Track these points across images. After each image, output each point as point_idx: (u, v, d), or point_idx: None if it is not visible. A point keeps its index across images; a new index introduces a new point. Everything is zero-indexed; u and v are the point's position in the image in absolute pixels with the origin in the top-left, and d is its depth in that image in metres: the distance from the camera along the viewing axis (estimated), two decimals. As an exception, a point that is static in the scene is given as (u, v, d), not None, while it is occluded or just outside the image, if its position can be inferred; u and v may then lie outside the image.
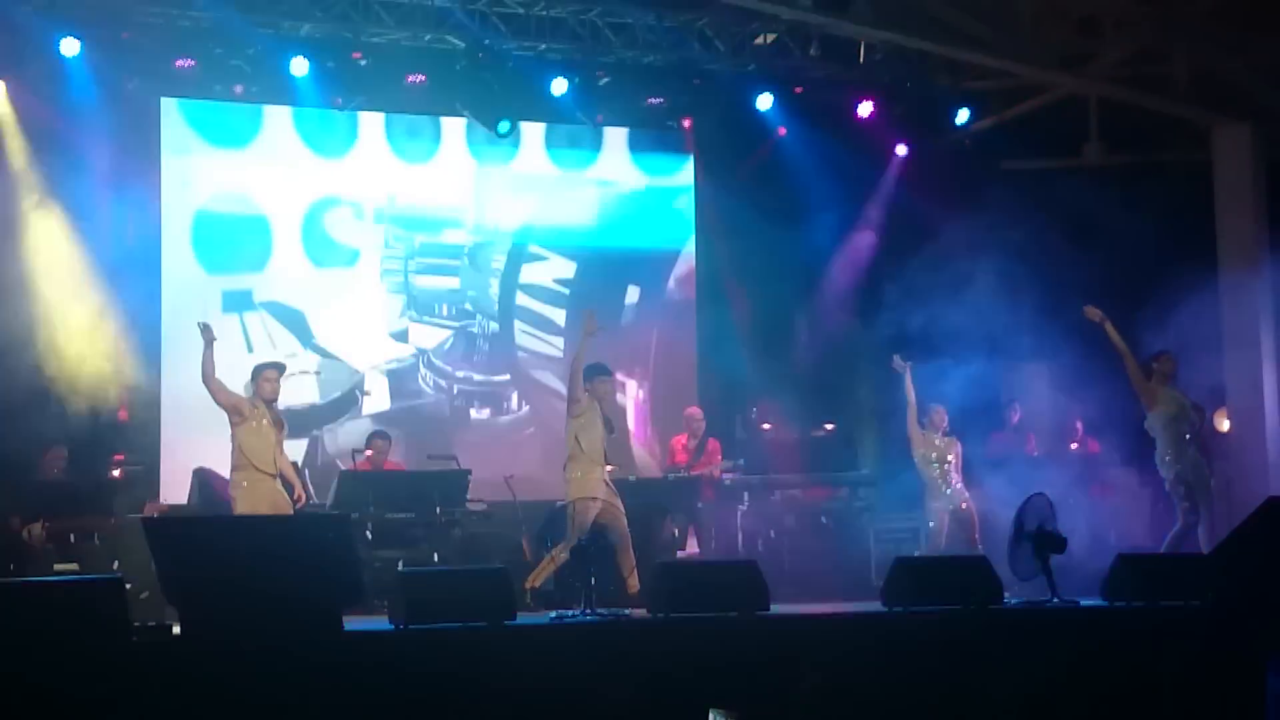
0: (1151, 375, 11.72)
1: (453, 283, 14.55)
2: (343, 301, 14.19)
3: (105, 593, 7.53)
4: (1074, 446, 13.71)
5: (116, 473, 12.17)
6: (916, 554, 12.38)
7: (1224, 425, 14.06)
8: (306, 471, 12.39)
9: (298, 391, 13.13)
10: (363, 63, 13.74)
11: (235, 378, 10.88)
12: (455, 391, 14.38)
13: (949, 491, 12.35)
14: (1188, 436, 11.65)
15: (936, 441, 12.44)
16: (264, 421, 10.47)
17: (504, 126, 13.71)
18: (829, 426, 14.12)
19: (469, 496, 12.07)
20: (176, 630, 7.73)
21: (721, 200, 15.17)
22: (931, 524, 12.42)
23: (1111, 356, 13.45)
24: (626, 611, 9.57)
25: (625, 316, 15.05)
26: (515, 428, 14.45)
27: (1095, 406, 14.62)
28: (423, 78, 13.85)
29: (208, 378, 10.46)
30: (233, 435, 10.45)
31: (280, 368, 10.83)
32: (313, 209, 14.18)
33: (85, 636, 7.15)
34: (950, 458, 12.48)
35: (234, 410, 10.45)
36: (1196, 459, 11.70)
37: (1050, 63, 13.86)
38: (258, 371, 10.74)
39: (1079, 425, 13.73)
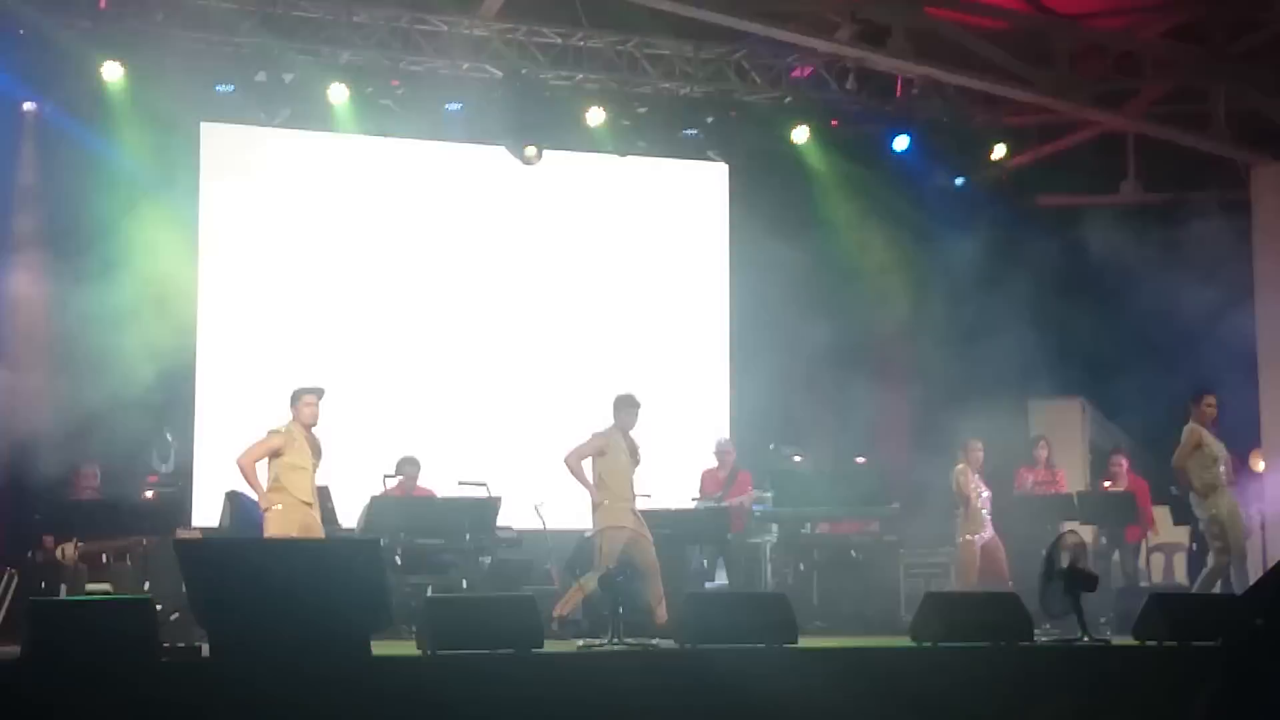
0: (1190, 416, 11.68)
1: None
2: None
3: (136, 613, 7.56)
4: (1107, 485, 13.62)
5: (149, 494, 12.23)
6: (947, 589, 12.33)
7: (1259, 465, 13.98)
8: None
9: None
10: (400, 90, 13.83)
11: (276, 401, 10.84)
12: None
13: (985, 526, 12.36)
14: (1223, 476, 11.61)
15: (977, 479, 12.46)
16: (303, 453, 10.38)
17: (531, 153, 13.77)
18: (860, 460, 14.09)
19: (498, 524, 12.08)
20: (206, 652, 7.75)
21: (756, 231, 15.18)
22: (963, 557, 12.40)
23: (1147, 392, 13.43)
24: (654, 641, 9.56)
25: (657, 347, 15.05)
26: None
27: (1130, 444, 14.57)
28: (460, 106, 13.94)
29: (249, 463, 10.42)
30: (270, 464, 10.40)
31: (319, 392, 10.61)
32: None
33: (115, 656, 7.18)
34: (986, 493, 12.50)
35: (274, 453, 10.37)
36: (1232, 499, 11.65)
37: (1088, 99, 13.84)
38: (297, 396, 10.53)
39: (1124, 462, 13.64)
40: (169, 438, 12.80)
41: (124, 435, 12.20)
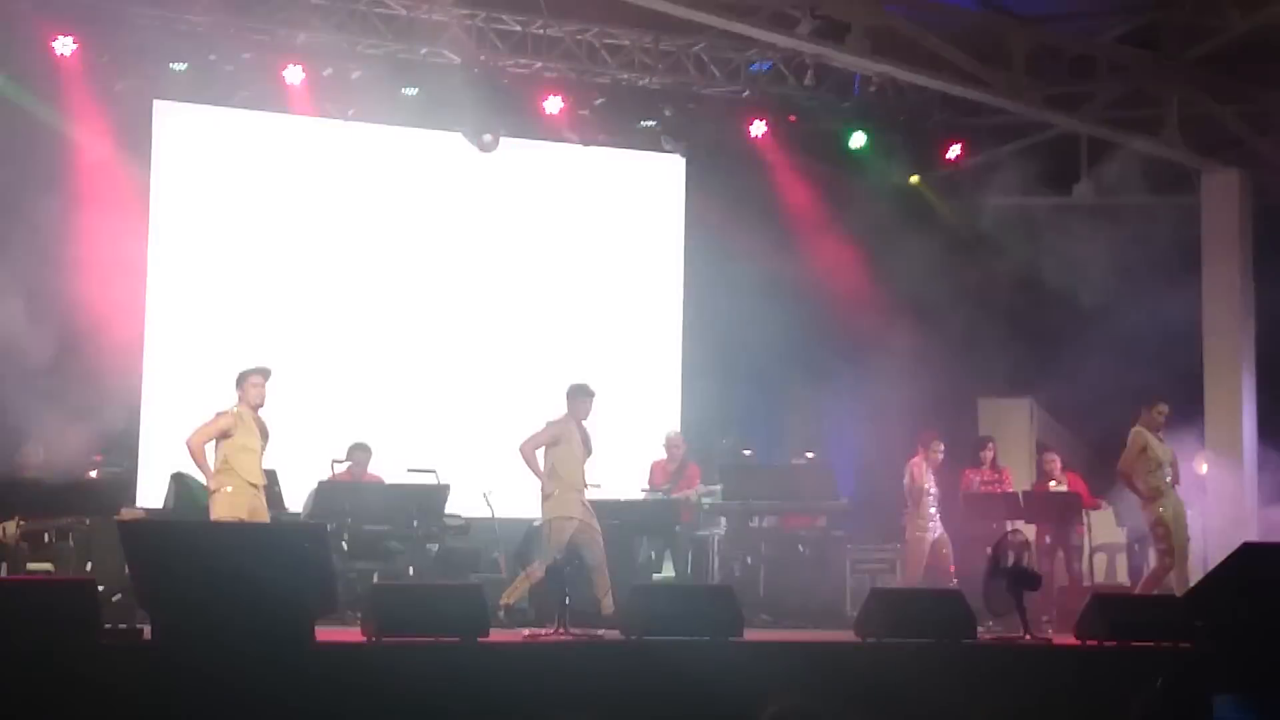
0: (1138, 418, 11.77)
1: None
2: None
3: (77, 594, 7.49)
4: (1052, 485, 13.71)
5: (94, 473, 12.11)
6: (892, 585, 12.41)
7: (1202, 469, 14.12)
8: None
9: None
10: (357, 74, 13.75)
11: (224, 383, 10.77)
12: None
13: (934, 522, 12.46)
14: (1168, 480, 11.72)
15: (932, 476, 12.57)
16: (251, 434, 10.30)
17: (487, 140, 13.74)
18: (809, 455, 14.13)
19: (447, 511, 12.04)
20: (147, 634, 7.70)
21: (711, 223, 15.19)
22: (911, 552, 12.48)
23: (1096, 393, 13.53)
24: (600, 632, 9.56)
25: (610, 337, 15.04)
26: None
27: (1076, 443, 14.67)
28: (417, 91, 13.87)
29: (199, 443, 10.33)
30: (218, 446, 10.33)
31: (265, 372, 10.52)
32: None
33: (55, 637, 7.12)
34: (934, 490, 12.60)
35: (223, 435, 10.29)
36: (1177, 502, 11.76)
37: (1042, 102, 13.93)
38: (243, 377, 10.45)
39: (1056, 462, 13.72)
40: None
41: (68, 414, 12.08)
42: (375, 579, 11.18)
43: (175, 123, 13.75)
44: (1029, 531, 12.23)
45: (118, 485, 12.06)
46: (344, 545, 11.40)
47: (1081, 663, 9.44)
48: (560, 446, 11.00)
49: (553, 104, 14.13)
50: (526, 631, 9.54)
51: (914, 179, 15.57)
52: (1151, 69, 13.98)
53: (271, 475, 11.16)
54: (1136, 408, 11.88)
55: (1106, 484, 13.21)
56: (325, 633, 8.09)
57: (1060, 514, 13.36)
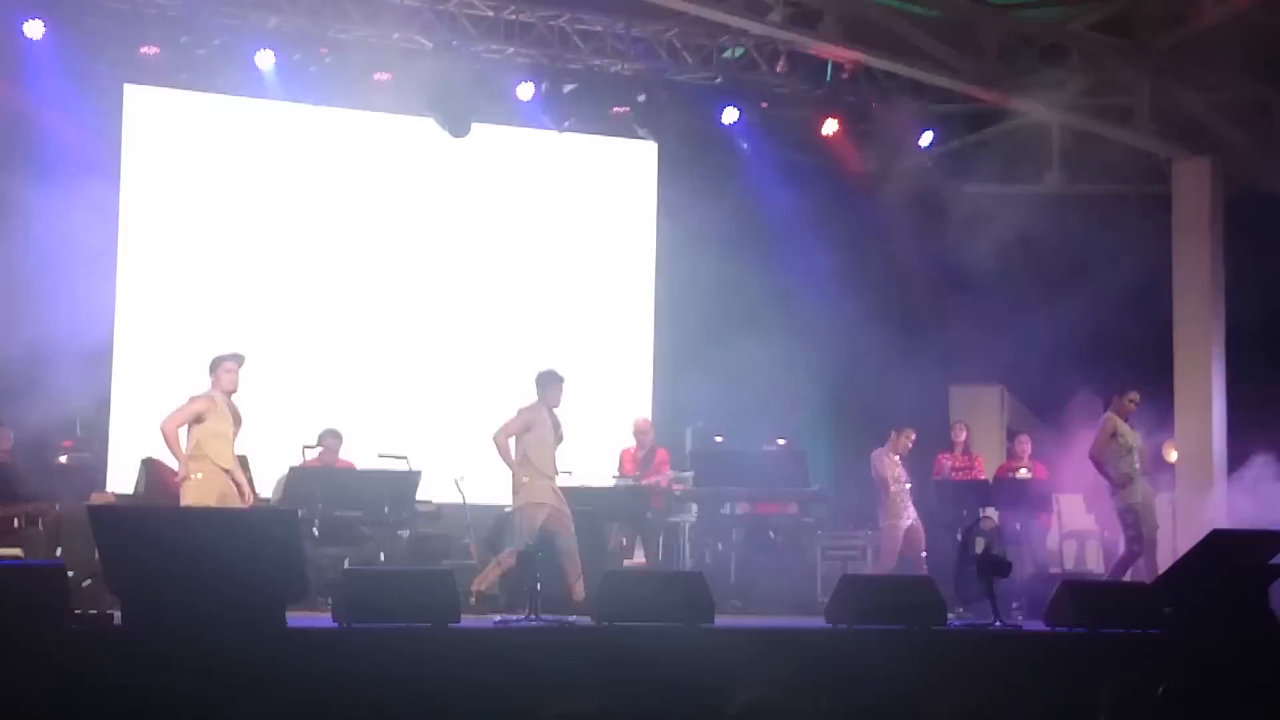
0: (1109, 405, 11.82)
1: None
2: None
3: (47, 579, 7.47)
4: (1022, 471, 13.77)
5: (63, 458, 12.05)
6: (863, 572, 12.44)
7: (1171, 456, 14.19)
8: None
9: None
10: (328, 59, 13.71)
11: (195, 368, 10.73)
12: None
13: (908, 510, 12.48)
14: (1137, 467, 11.78)
15: (900, 464, 12.58)
16: (224, 419, 10.26)
17: (463, 129, 13.72)
18: (781, 441, 14.16)
19: (418, 497, 12.03)
20: (118, 620, 7.68)
21: (684, 210, 15.19)
22: (886, 541, 12.51)
23: (1066, 381, 13.61)
24: (571, 618, 9.57)
25: (582, 323, 15.03)
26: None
27: (1045, 431, 14.75)
28: (389, 76, 13.83)
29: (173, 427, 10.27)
30: (190, 430, 10.28)
31: (239, 358, 10.49)
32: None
33: (25, 623, 7.09)
34: (906, 478, 12.63)
35: (196, 419, 10.26)
36: (1146, 489, 11.82)
37: (1014, 89, 13.96)
38: (216, 363, 10.40)
39: (1028, 445, 13.77)
40: None
41: (38, 398, 12.04)
42: (346, 565, 11.16)
43: (146, 107, 13.69)
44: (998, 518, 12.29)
45: (88, 470, 12.01)
46: (315, 531, 11.36)
47: (1051, 649, 9.49)
48: (532, 433, 10.99)
49: (525, 90, 14.09)
50: (498, 617, 9.54)
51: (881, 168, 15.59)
52: (1123, 57, 14.02)
53: (243, 461, 11.13)
54: (1107, 395, 11.93)
55: (1075, 472, 13.27)
56: (296, 618, 8.08)
57: (1030, 501, 13.44)
